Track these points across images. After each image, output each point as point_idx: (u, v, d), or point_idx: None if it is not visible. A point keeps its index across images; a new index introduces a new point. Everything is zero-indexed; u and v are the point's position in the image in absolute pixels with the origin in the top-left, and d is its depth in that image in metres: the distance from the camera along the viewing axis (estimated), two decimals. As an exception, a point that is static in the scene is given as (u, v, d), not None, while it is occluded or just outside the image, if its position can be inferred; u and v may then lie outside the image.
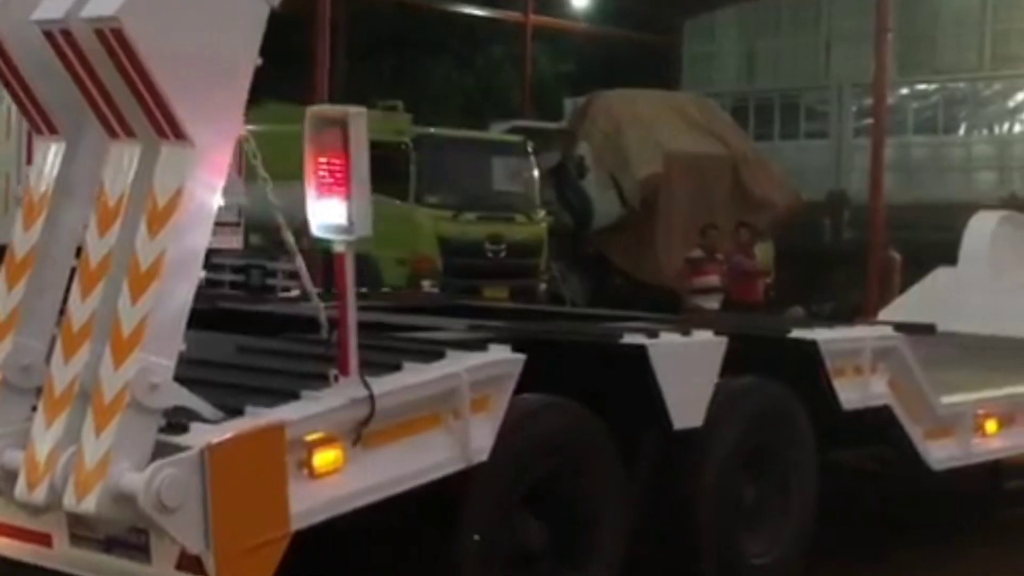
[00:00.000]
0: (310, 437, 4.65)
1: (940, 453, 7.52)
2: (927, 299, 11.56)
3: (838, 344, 6.91)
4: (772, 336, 7.06)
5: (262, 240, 19.15)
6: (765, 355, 6.75)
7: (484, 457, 5.17)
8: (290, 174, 18.33)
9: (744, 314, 8.20)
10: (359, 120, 4.67)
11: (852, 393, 6.90)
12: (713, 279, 16.27)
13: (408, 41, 33.18)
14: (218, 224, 17.70)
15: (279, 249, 19.36)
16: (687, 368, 6.14)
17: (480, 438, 5.15)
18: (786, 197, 22.29)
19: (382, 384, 4.87)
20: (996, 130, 27.71)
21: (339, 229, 4.73)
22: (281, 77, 30.97)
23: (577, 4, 32.40)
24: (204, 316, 7.25)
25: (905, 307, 11.62)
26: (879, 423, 7.19)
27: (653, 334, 6.11)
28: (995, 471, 8.37)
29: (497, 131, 22.21)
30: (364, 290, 10.20)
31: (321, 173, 4.73)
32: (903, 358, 7.25)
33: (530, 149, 19.49)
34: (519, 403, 5.39)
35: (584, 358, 6.00)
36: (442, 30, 33.21)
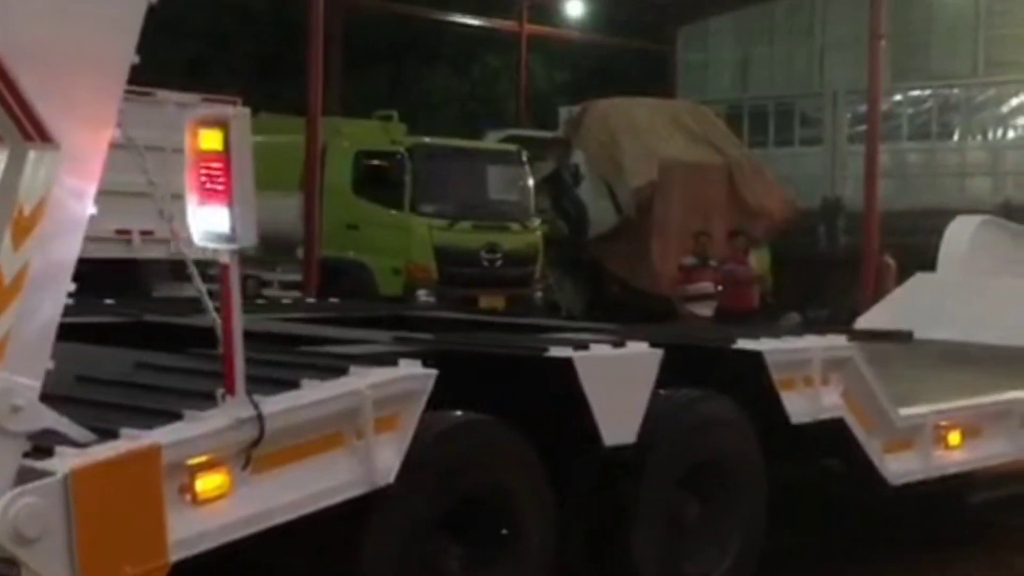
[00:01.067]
0: (192, 461, 4.35)
1: (899, 467, 7.23)
2: (906, 305, 11.43)
3: (785, 355, 6.63)
4: (715, 347, 6.73)
5: (256, 251, 19.20)
6: (709, 367, 6.51)
7: (390, 479, 4.86)
8: (286, 185, 18.44)
9: (692, 324, 8.01)
10: (241, 122, 4.39)
11: (801, 405, 6.62)
12: (706, 286, 16.32)
13: (404, 51, 33.28)
14: (213, 235, 17.17)
15: (276, 258, 19.47)
16: (618, 381, 5.86)
17: (386, 459, 4.86)
18: (781, 204, 22.30)
19: (275, 403, 4.57)
20: (990, 136, 27.73)
21: (222, 237, 4.41)
22: (276, 88, 30.99)
23: (572, 13, 32.48)
24: (128, 330, 6.99)
25: (884, 314, 11.52)
26: (833, 436, 6.90)
27: (582, 346, 5.84)
28: (962, 484, 8.04)
29: (492, 140, 22.25)
30: (313, 299, 10.13)
31: (203, 179, 4.44)
32: (857, 368, 6.96)
33: (525, 158, 19.52)
34: (432, 421, 5.10)
35: (509, 372, 5.74)
36: (438, 40, 33.31)
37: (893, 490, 7.21)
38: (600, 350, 5.89)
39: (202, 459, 4.38)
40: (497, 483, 5.48)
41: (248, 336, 5.92)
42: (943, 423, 7.58)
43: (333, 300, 11.31)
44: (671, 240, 20.34)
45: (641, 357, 6.04)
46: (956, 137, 28.21)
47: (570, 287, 21.72)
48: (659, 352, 6.04)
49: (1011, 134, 27.45)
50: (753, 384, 6.50)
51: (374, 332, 6.81)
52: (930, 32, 28.45)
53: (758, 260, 18.63)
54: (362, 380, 4.87)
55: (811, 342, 6.95)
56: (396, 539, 5.03)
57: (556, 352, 5.71)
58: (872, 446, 7.04)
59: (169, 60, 30.67)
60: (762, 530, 6.67)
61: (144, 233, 15.70)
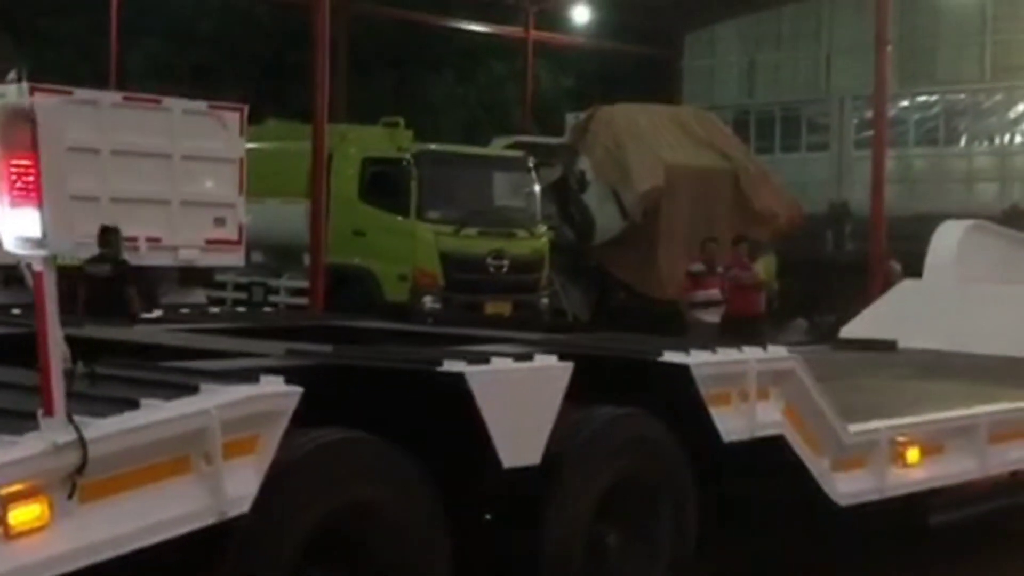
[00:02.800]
0: (3, 490, 3.90)
1: (849, 486, 6.73)
2: (892, 313, 11.18)
3: (715, 368, 6.16)
4: (639, 360, 6.25)
5: (264, 257, 19.24)
6: (635, 381, 6.11)
7: (245, 508, 4.40)
8: (292, 191, 18.51)
9: (617, 335, 7.53)
10: (52, 116, 4.01)
11: (735, 422, 6.16)
12: (714, 292, 16.31)
13: (410, 58, 33.32)
14: (219, 242, 17.83)
15: (283, 265, 19.44)
16: (520, 398, 5.40)
17: (239, 486, 4.40)
18: (787, 209, 22.29)
19: (102, 425, 4.09)
20: (997, 141, 27.71)
21: (33, 243, 4.01)
22: (282, 95, 30.99)
23: (578, 19, 32.52)
24: (15, 341, 6.41)
25: (870, 322, 11.28)
26: (774, 454, 6.41)
27: (478, 360, 5.37)
28: (920, 505, 7.42)
29: (498, 146, 22.25)
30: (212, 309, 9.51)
31: (12, 177, 4.01)
32: (800, 382, 6.49)
33: (531, 164, 19.51)
34: (297, 443, 4.65)
35: (403, 387, 5.34)
36: (443, 46, 33.35)
37: (841, 511, 6.72)
38: (500, 364, 5.43)
39: (15, 488, 3.92)
40: (374, 508, 4.97)
41: (115, 348, 5.64)
42: (900, 439, 7.08)
43: (268, 310, 10.84)
44: (677, 246, 20.33)
45: (547, 371, 5.59)
46: (963, 142, 28.20)
47: (576, 293, 21.71)
48: (568, 366, 5.60)
49: (1018, 139, 27.43)
50: (682, 400, 6.06)
51: (268, 344, 6.26)
52: (937, 37, 28.46)
53: (765, 266, 18.59)
54: (210, 399, 4.40)
55: (747, 354, 6.42)
56: (257, 572, 4.58)
57: (449, 366, 5.26)
58: (818, 464, 6.58)
59: (175, 67, 30.78)
60: (690, 558, 6.24)
61: (151, 240, 15.73)
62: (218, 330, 7.41)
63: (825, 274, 23.50)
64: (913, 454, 7.17)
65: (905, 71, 27.11)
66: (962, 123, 28.29)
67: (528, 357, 5.63)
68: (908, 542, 8.02)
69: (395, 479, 5.04)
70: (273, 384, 4.64)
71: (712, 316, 16.15)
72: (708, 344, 6.52)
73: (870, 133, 23.88)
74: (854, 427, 6.80)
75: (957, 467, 7.47)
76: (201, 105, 16.65)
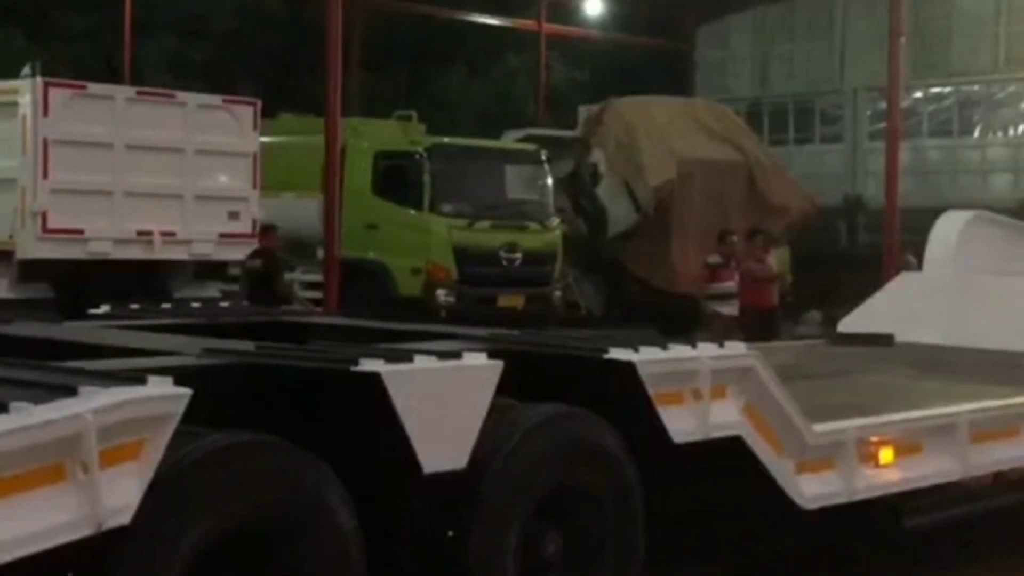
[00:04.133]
0: None
1: (815, 489, 6.41)
2: (890, 307, 11.00)
3: (664, 366, 5.85)
4: (583, 358, 5.97)
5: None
6: (579, 380, 5.85)
7: (126, 519, 4.09)
8: (308, 185, 18.56)
9: (562, 332, 7.21)
10: None
11: (687, 423, 5.84)
12: (731, 285, 16.31)
13: (422, 51, 33.33)
14: (233, 235, 17.89)
15: (297, 259, 19.51)
16: (443, 398, 5.11)
17: (120, 495, 4.09)
18: (801, 202, 22.28)
19: None
20: (1011, 132, 27.64)
21: None
22: (295, 89, 31.02)
23: (591, 12, 32.51)
24: None
25: (868, 315, 11.10)
26: (733, 456, 6.11)
27: (400, 358, 5.10)
28: (895, 507, 7.08)
29: (511, 139, 22.25)
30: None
31: None
32: (759, 380, 6.18)
33: (544, 157, 19.51)
34: (189, 448, 4.37)
35: (319, 388, 5.12)
36: (456, 40, 33.34)
37: (808, 514, 6.42)
38: (421, 362, 5.14)
39: None
40: (276, 514, 4.66)
41: (28, 346, 5.50)
42: (873, 439, 6.75)
43: (224, 303, 10.66)
44: (691, 239, 20.34)
45: (474, 371, 5.29)
46: (977, 134, 28.12)
47: (589, 286, 21.71)
48: (497, 365, 5.30)
49: (1031, 130, 27.36)
50: (630, 399, 5.75)
51: (188, 341, 5.98)
52: (950, 29, 28.37)
53: (778, 258, 18.57)
54: (87, 403, 4.05)
55: (700, 352, 6.08)
56: None
57: (365, 365, 4.97)
58: (781, 466, 6.28)
59: (189, 62, 30.83)
60: (638, 566, 5.92)
61: (165, 234, 15.77)
62: (158, 327, 7.10)
63: (839, 267, 23.44)
64: (887, 454, 6.84)
65: (919, 62, 27.02)
66: (976, 114, 28.20)
67: (455, 355, 5.34)
68: (890, 544, 7.76)
69: (300, 484, 4.72)
70: (160, 386, 4.32)
71: (730, 308, 16.16)
72: (658, 340, 6.15)
73: (884, 125, 23.82)
74: (820, 427, 6.51)
75: (935, 468, 7.13)
76: (215, 99, 16.67)
